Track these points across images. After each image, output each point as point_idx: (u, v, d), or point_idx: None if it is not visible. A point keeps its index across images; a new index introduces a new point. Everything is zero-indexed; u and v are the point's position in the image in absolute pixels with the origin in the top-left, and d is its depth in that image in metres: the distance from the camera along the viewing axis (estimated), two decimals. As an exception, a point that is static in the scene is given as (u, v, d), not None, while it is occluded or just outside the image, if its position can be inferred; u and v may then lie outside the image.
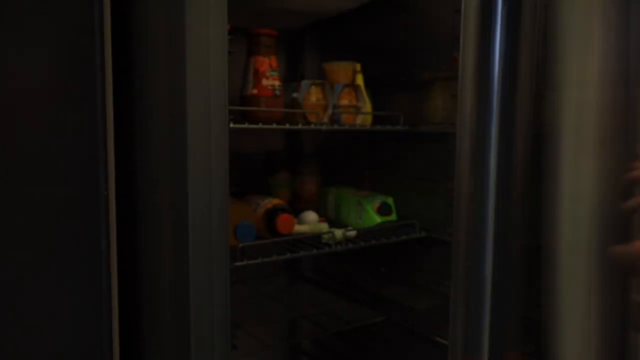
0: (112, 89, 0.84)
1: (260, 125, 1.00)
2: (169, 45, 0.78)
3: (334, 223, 1.26)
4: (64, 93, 0.79)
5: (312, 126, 1.09)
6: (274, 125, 1.02)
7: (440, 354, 1.17)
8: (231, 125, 0.80)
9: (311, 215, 1.15)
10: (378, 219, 1.16)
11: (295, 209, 1.41)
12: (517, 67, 0.97)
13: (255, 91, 1.05)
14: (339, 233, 1.08)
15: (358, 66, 1.20)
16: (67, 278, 0.81)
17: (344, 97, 1.16)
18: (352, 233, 1.13)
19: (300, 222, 1.14)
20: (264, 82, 1.05)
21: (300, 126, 1.08)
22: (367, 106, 1.18)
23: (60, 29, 0.78)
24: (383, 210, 1.17)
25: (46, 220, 0.79)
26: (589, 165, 0.79)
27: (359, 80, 1.20)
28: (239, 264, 0.94)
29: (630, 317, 0.69)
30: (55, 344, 0.81)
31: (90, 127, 0.81)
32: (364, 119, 1.18)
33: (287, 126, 1.06)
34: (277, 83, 1.07)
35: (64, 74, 0.78)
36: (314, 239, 1.12)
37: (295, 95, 1.12)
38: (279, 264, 1.60)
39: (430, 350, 1.21)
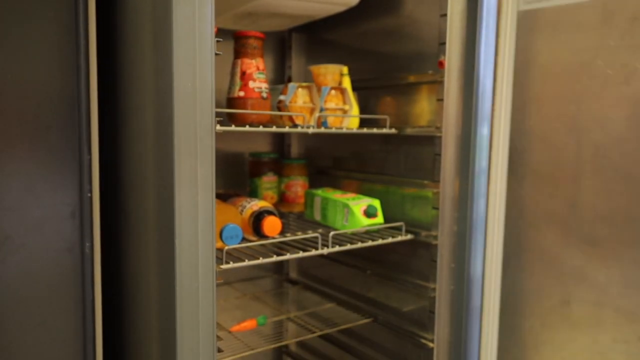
0: (97, 90, 0.83)
1: (247, 128, 1.00)
2: (155, 47, 0.78)
3: (321, 225, 1.27)
4: (48, 94, 0.78)
5: (299, 129, 1.09)
6: (261, 128, 1.02)
7: (426, 356, 1.18)
8: (218, 127, 0.80)
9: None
10: (364, 222, 1.17)
11: (282, 211, 1.41)
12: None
13: (242, 93, 1.05)
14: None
15: (345, 69, 1.21)
16: (51, 280, 0.80)
17: (330, 100, 1.16)
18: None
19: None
20: (251, 84, 1.05)
21: (287, 129, 1.08)
22: (354, 109, 1.18)
23: (46, 30, 0.77)
24: (369, 212, 1.17)
25: (29, 220, 0.78)
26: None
27: (346, 83, 1.21)
28: (224, 266, 0.93)
29: None
30: (38, 348, 0.80)
31: (74, 127, 0.80)
32: (350, 121, 1.18)
33: (274, 129, 1.05)
34: (264, 85, 1.07)
35: (47, 74, 0.78)
36: (301, 242, 1.12)
37: (282, 97, 1.12)
38: (265, 267, 1.60)
39: (417, 352, 1.22)
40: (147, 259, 0.86)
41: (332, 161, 1.47)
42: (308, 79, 1.24)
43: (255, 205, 1.08)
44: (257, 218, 1.05)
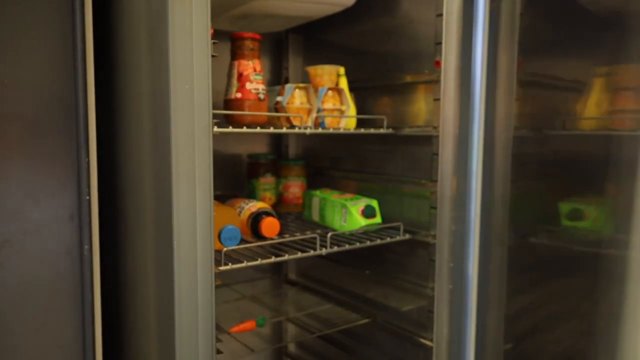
0: (95, 93, 0.83)
1: (244, 129, 1.00)
2: (151, 49, 0.78)
3: (319, 226, 1.27)
4: (46, 97, 0.78)
5: (297, 129, 1.09)
6: (258, 129, 1.02)
7: (425, 355, 1.18)
8: (215, 129, 0.80)
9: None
10: (363, 222, 1.17)
11: (280, 212, 1.41)
12: (496, 70, 0.99)
13: (239, 95, 1.05)
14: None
15: (342, 69, 1.21)
16: (50, 282, 0.80)
17: (328, 100, 1.16)
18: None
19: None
20: (248, 85, 1.05)
21: (284, 130, 1.08)
22: (351, 109, 1.18)
23: (43, 34, 0.77)
24: (367, 213, 1.18)
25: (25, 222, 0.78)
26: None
27: (343, 83, 1.21)
28: (223, 268, 0.93)
29: None
30: (37, 351, 0.80)
31: (72, 131, 0.80)
32: (348, 122, 1.19)
33: (272, 130, 1.06)
34: (261, 86, 1.07)
35: (45, 78, 0.78)
36: (299, 242, 1.12)
37: (279, 98, 1.13)
38: (263, 268, 1.60)
39: (416, 352, 1.22)
40: (145, 261, 0.86)
41: (330, 162, 1.47)
42: (305, 79, 1.24)
43: (253, 206, 1.08)
44: (256, 219, 1.05)
